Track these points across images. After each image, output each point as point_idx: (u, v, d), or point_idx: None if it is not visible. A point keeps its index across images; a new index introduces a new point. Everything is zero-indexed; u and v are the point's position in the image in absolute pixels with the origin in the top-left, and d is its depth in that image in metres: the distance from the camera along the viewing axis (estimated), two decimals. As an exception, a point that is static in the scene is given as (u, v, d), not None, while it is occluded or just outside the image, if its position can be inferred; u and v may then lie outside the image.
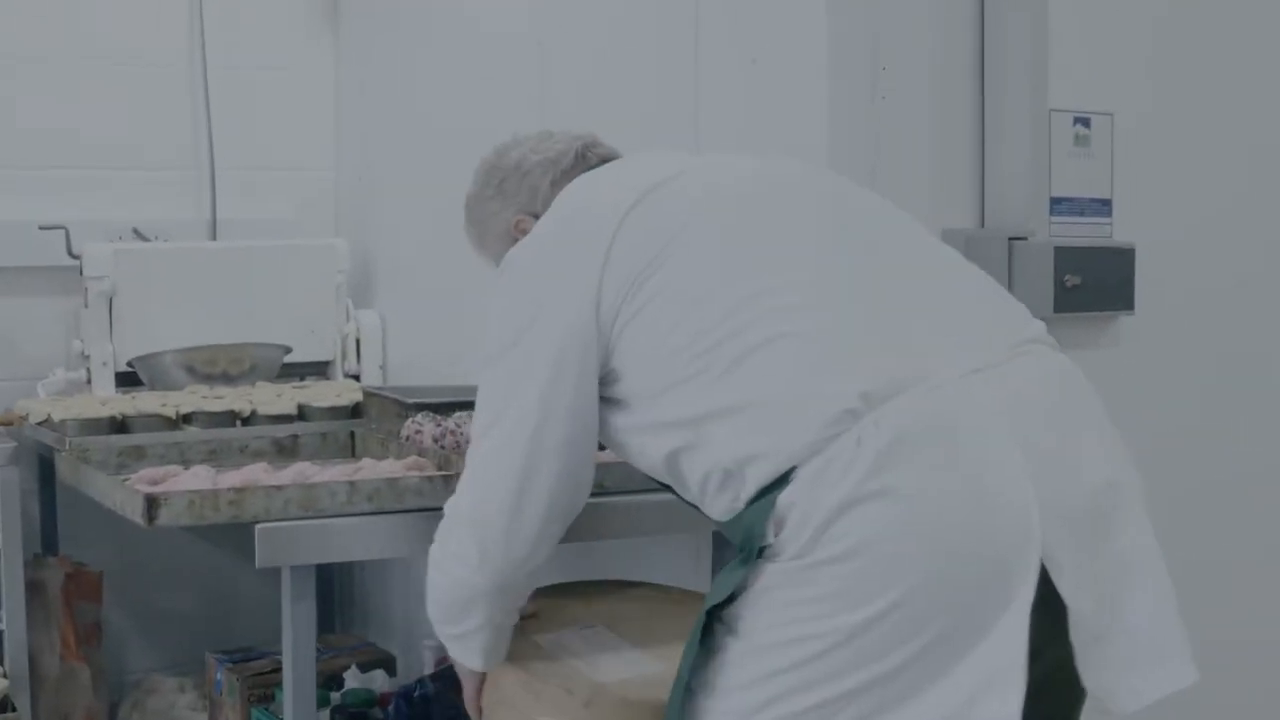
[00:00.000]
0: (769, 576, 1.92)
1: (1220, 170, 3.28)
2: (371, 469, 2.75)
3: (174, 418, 3.40)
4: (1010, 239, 2.91)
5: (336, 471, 2.70)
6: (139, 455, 3.01)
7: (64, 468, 3.02)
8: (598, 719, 2.22)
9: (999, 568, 1.84)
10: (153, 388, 3.89)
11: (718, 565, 2.92)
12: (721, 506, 2.03)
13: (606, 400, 2.15)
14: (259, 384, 3.84)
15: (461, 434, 3.04)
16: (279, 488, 2.51)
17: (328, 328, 4.24)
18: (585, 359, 2.11)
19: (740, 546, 1.97)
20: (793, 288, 2.02)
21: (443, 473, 2.66)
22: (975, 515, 1.85)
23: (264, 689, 3.71)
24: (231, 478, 2.63)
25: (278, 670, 3.71)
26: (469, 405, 3.23)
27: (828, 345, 1.97)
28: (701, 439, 2.02)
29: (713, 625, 2.01)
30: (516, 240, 2.34)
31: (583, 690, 2.24)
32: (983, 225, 2.99)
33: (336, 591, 4.44)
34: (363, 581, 4.49)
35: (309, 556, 2.52)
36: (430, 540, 2.65)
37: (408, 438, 3.08)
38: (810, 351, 1.96)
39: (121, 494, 2.59)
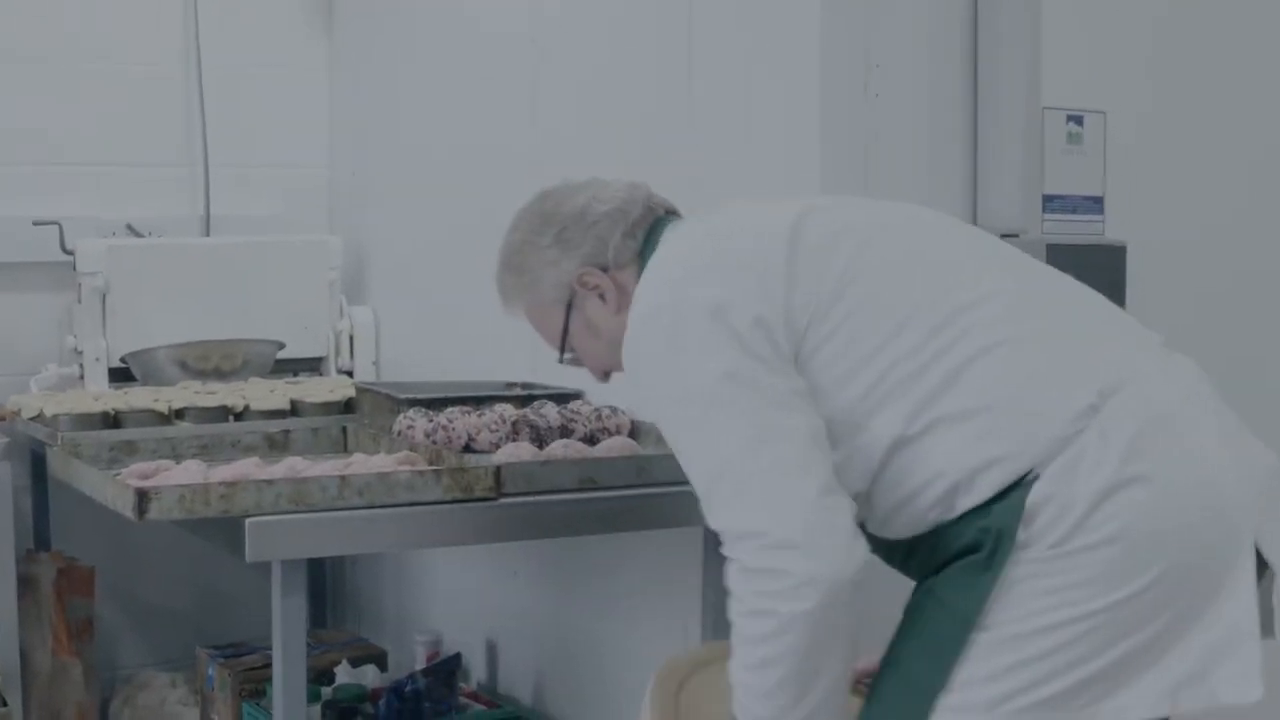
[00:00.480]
0: (1018, 569, 1.96)
1: (1213, 169, 3.28)
2: (363, 464, 2.74)
3: (166, 413, 3.41)
4: (1002, 236, 2.91)
5: (328, 466, 2.70)
6: (131, 450, 3.00)
7: (56, 463, 3.02)
8: None
9: (1229, 544, 1.99)
10: (145, 383, 3.89)
11: (709, 559, 2.92)
12: (921, 522, 2.05)
13: None
14: (252, 380, 3.84)
15: (452, 429, 3.04)
16: (270, 482, 2.51)
17: (321, 324, 4.24)
18: (788, 362, 2.05)
19: (975, 548, 1.99)
20: (991, 299, 2.07)
21: (434, 467, 2.66)
22: (1210, 498, 1.99)
23: (255, 684, 3.72)
24: (223, 472, 2.63)
25: (269, 665, 3.67)
26: (461, 401, 3.26)
27: (1046, 349, 2.06)
28: (918, 453, 2.02)
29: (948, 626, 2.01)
30: (576, 294, 2.29)
31: None
32: (975, 222, 2.99)
33: (328, 587, 4.45)
34: (354, 577, 4.50)
35: (299, 551, 2.52)
36: (419, 535, 2.67)
37: (400, 433, 3.08)
38: (1032, 356, 2.04)
39: (113, 489, 2.58)
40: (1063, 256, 2.92)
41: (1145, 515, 1.95)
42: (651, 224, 2.30)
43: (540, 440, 3.02)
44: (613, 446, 2.95)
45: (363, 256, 4.41)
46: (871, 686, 2.12)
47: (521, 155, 3.75)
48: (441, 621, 4.01)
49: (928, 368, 2.02)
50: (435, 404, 3.20)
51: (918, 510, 2.05)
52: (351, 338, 4.27)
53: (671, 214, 2.34)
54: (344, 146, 4.56)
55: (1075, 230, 3.06)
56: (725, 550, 2.05)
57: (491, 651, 3.91)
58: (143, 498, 2.44)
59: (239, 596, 4.15)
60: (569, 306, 2.32)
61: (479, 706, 3.71)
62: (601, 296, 2.29)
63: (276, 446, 3.13)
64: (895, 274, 2.09)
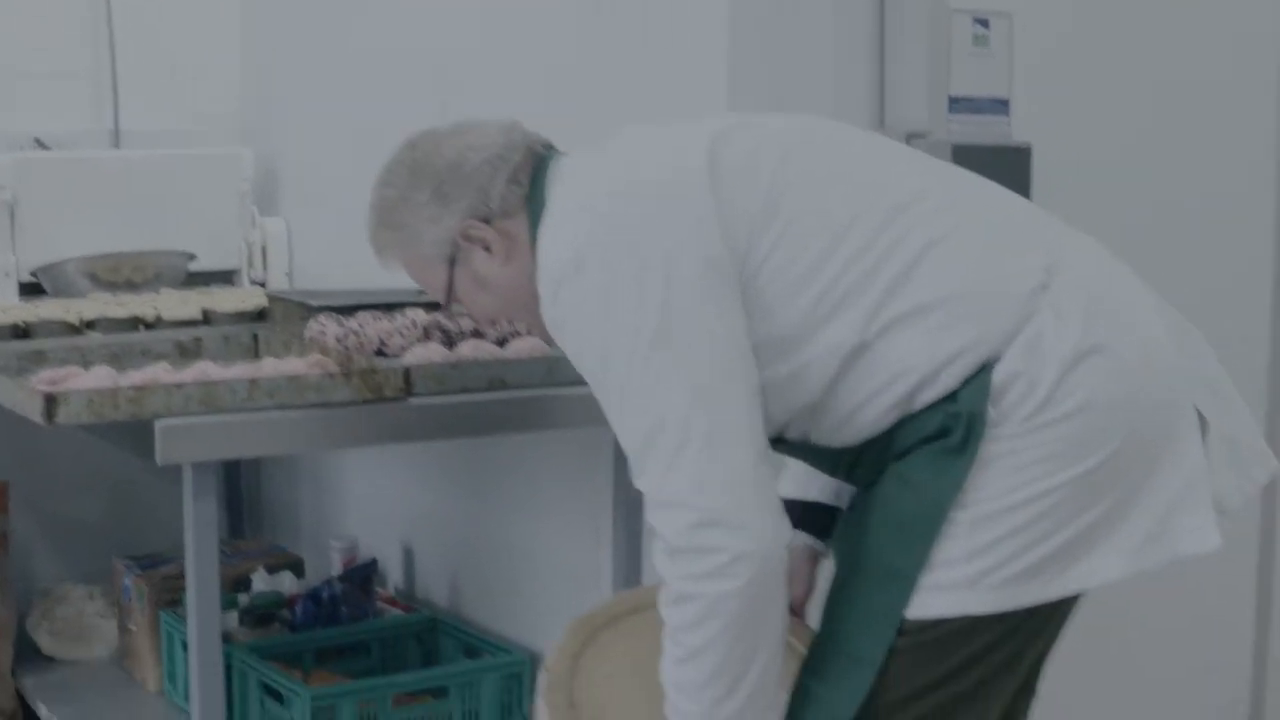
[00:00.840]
0: (992, 447, 1.98)
1: (1119, 73, 3.31)
2: (273, 367, 2.75)
3: (77, 324, 3.40)
4: (909, 136, 2.94)
5: (238, 370, 2.70)
6: (40, 359, 2.99)
7: None
8: None
9: (1176, 401, 2.06)
10: (56, 297, 3.88)
11: (620, 459, 2.94)
12: (879, 422, 2.04)
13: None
14: (164, 291, 3.84)
15: (364, 334, 3.05)
16: (179, 385, 2.52)
17: (233, 236, 4.23)
18: (735, 293, 2.01)
19: (943, 433, 1.99)
20: (922, 199, 2.07)
21: (344, 370, 2.67)
22: (1157, 360, 2.05)
23: (172, 593, 3.71)
24: (132, 377, 2.63)
25: (183, 574, 3.74)
26: (372, 306, 3.27)
27: (986, 238, 2.07)
28: (878, 355, 2.02)
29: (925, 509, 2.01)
30: (460, 248, 2.20)
31: None
32: (882, 124, 3.02)
33: (244, 497, 4.45)
34: (270, 487, 4.50)
35: (210, 453, 2.53)
36: (329, 435, 2.68)
37: (311, 339, 3.08)
38: (976, 245, 2.06)
39: (21, 394, 2.58)
40: (968, 157, 2.95)
41: (1106, 383, 1.99)
42: (535, 165, 2.20)
43: (451, 344, 3.03)
44: (522, 348, 2.97)
45: (274, 168, 4.39)
46: (835, 580, 2.12)
47: (430, 62, 3.75)
48: (358, 528, 4.03)
49: (877, 269, 2.00)
50: (347, 310, 3.20)
51: (877, 411, 2.03)
52: (264, 249, 4.26)
53: (551, 150, 2.25)
54: (256, 58, 4.53)
55: (981, 132, 3.09)
56: (650, 518, 2.02)
57: (408, 556, 3.94)
58: (51, 402, 2.44)
59: (155, 508, 4.14)
60: (452, 262, 2.23)
61: (396, 611, 3.74)
62: (487, 248, 2.20)
63: (187, 354, 3.14)
64: (823, 183, 2.07)
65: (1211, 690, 3.76)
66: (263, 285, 4.20)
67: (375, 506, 4.05)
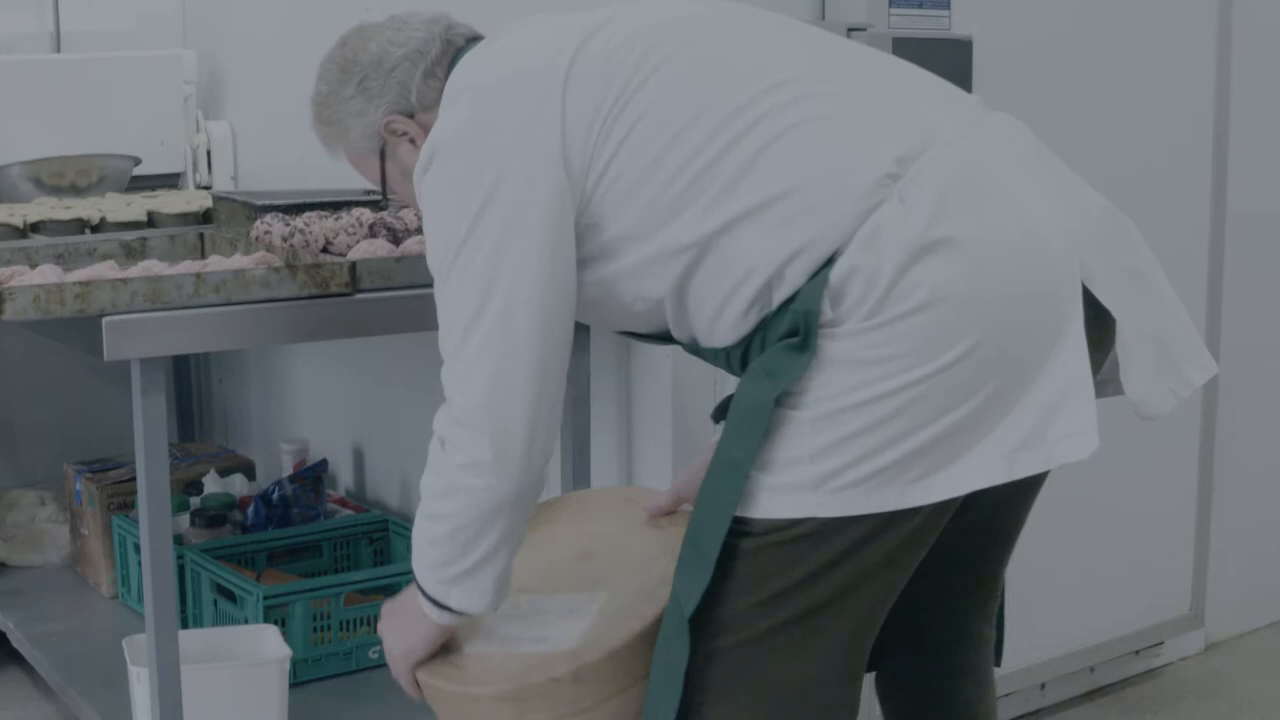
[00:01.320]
0: (833, 346, 1.91)
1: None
2: (219, 264, 2.75)
3: (21, 226, 3.38)
4: (849, 29, 2.95)
5: (184, 267, 2.70)
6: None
7: None
8: (592, 684, 2.09)
9: (1055, 297, 1.94)
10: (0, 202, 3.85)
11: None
12: (744, 323, 2.00)
13: (585, 258, 2.05)
14: (108, 195, 3.82)
15: (310, 232, 3.05)
16: (125, 280, 2.51)
17: (177, 139, 4.21)
18: (564, 219, 2.00)
19: (794, 332, 1.93)
20: (783, 86, 1.99)
21: (289, 265, 2.67)
22: (1028, 253, 1.93)
23: (124, 497, 3.74)
24: (78, 274, 2.62)
25: (134, 479, 3.75)
26: (318, 206, 3.27)
27: (841, 125, 1.98)
28: (722, 255, 1.97)
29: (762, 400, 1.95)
30: (387, 142, 2.24)
31: (564, 669, 2.08)
32: (823, 17, 3.03)
33: (195, 402, 4.46)
34: (221, 391, 4.51)
35: (157, 349, 2.53)
36: (275, 330, 2.69)
37: (257, 238, 3.08)
38: (826, 134, 1.97)
39: (-35, 292, 2.57)
40: (909, 50, 2.95)
41: (956, 280, 1.88)
42: (452, 58, 2.22)
43: (397, 241, 3.03)
44: (469, 244, 2.97)
45: (218, 70, 4.37)
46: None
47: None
48: (308, 431, 4.05)
49: (718, 162, 1.96)
50: (292, 209, 3.20)
51: (737, 312, 1.99)
52: (209, 152, 4.24)
53: (474, 40, 2.25)
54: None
55: (922, 25, 3.10)
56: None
57: (358, 458, 3.96)
58: (-5, 298, 2.44)
59: (106, 413, 4.17)
60: (382, 154, 2.28)
61: (347, 511, 3.76)
62: (412, 141, 2.23)
63: (133, 254, 3.13)
64: (686, 74, 2.02)
65: (1154, 585, 3.83)
66: (208, 189, 4.18)
67: (325, 409, 4.06)
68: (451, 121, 2.06)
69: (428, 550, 2.09)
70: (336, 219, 3.13)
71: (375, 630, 3.21)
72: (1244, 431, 3.83)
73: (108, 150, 4.02)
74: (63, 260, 3.01)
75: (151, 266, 2.71)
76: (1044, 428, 1.92)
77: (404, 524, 3.66)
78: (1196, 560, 3.90)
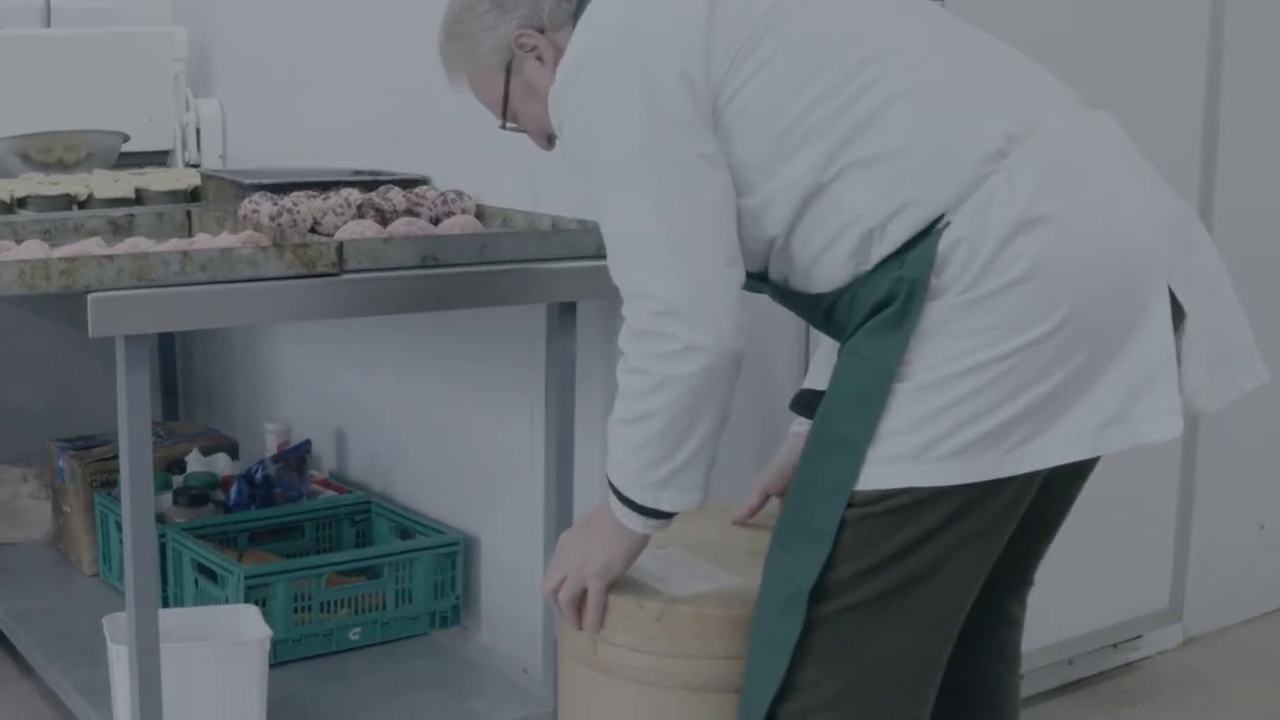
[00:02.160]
0: (933, 317, 2.01)
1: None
2: (206, 242, 2.75)
3: (8, 201, 3.38)
4: None
5: (171, 244, 2.70)
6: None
7: None
8: (670, 632, 2.22)
9: (1140, 279, 2.04)
10: (-14, 177, 3.85)
11: (554, 337, 2.98)
12: (841, 272, 2.10)
13: None
14: (96, 171, 3.82)
15: (298, 212, 3.06)
16: (111, 257, 2.51)
17: (166, 117, 4.21)
18: (706, 120, 2.11)
19: (889, 299, 2.03)
20: (902, 49, 2.09)
21: (276, 244, 2.67)
22: (1119, 236, 2.04)
23: (107, 474, 3.75)
24: (64, 250, 2.62)
25: (117, 456, 3.75)
26: (306, 185, 3.28)
27: (957, 95, 2.08)
28: (833, 200, 2.07)
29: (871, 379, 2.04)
30: (515, 56, 2.32)
31: (654, 604, 2.22)
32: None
33: (179, 382, 4.47)
34: (205, 372, 4.52)
35: (143, 326, 2.53)
36: (261, 309, 2.69)
37: (244, 217, 3.09)
38: (943, 102, 2.07)
39: (-51, 267, 2.57)
40: None
41: (1052, 255, 1.99)
42: None
43: (385, 222, 3.04)
44: (454, 225, 2.98)
45: (208, 48, 4.37)
46: (802, 452, 2.16)
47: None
48: (291, 413, 4.05)
49: (841, 113, 2.05)
50: (280, 189, 3.22)
51: (837, 260, 2.08)
52: (198, 130, 4.25)
53: None
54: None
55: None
56: (624, 310, 2.13)
57: (340, 440, 3.97)
58: (-19, 272, 2.44)
59: (89, 391, 4.17)
60: (508, 70, 2.35)
61: (330, 493, 3.76)
62: (539, 58, 2.32)
63: (120, 231, 3.13)
64: (809, 24, 2.11)
65: (1134, 580, 3.86)
66: (196, 166, 4.18)
67: (308, 390, 4.07)
68: (605, 32, 2.16)
69: (635, 455, 2.15)
70: (325, 199, 3.15)
71: (355, 612, 3.24)
72: (1226, 431, 3.84)
73: (96, 126, 4.02)
74: (49, 236, 3.00)
75: (138, 244, 2.72)
76: (1130, 406, 2.03)
77: (386, 506, 3.68)
78: (1176, 556, 3.91)
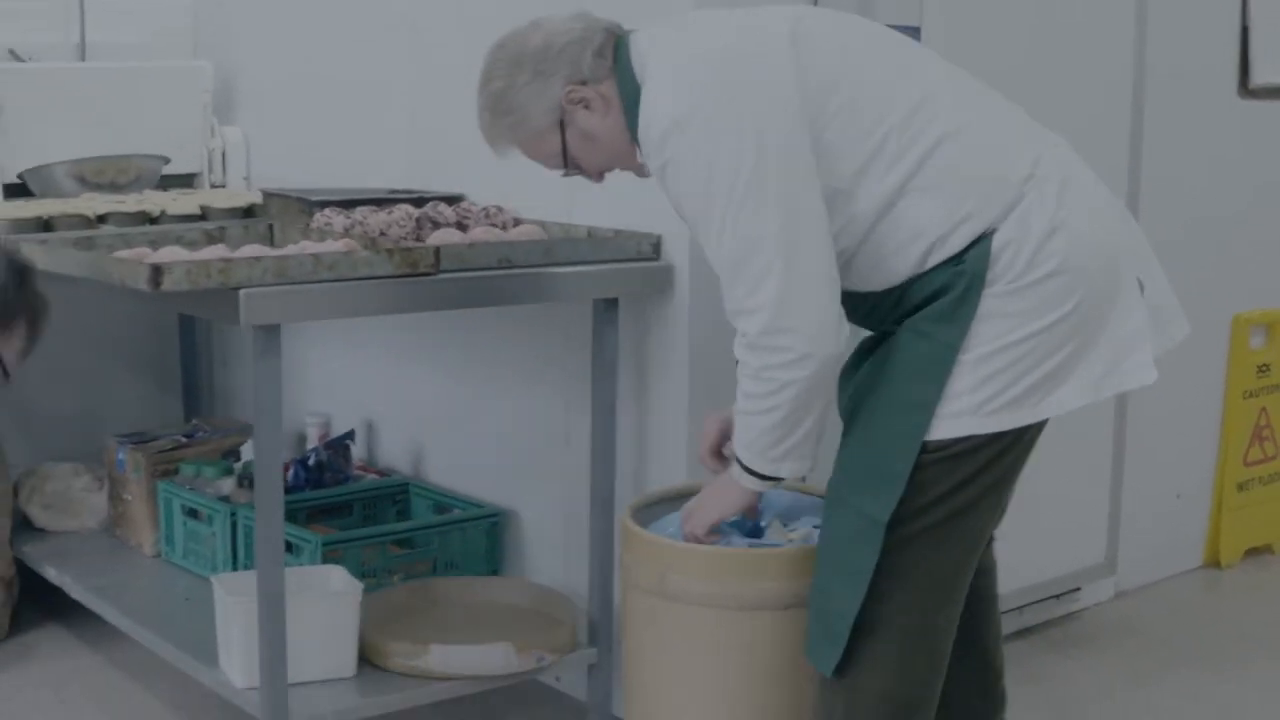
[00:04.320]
0: (987, 303, 2.53)
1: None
2: (313, 249, 3.16)
3: (93, 218, 3.76)
4: None
5: (292, 249, 3.11)
6: (89, 245, 3.36)
7: (41, 255, 3.29)
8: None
9: (1117, 268, 2.61)
10: (43, 198, 4.16)
11: (600, 324, 3.41)
12: (900, 274, 2.59)
13: None
14: (146, 191, 4.19)
15: (367, 224, 3.47)
16: (257, 259, 2.92)
17: (195, 142, 4.58)
18: (810, 148, 2.51)
19: (943, 290, 2.54)
20: (939, 94, 2.59)
21: (387, 250, 3.07)
22: (1106, 236, 2.62)
23: (167, 464, 4.11)
24: (204, 254, 3.03)
25: (177, 448, 4.17)
26: (368, 201, 3.70)
27: (990, 132, 2.62)
28: (901, 217, 2.55)
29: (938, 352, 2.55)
30: (567, 111, 2.66)
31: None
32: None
33: (202, 382, 4.83)
34: (225, 374, 4.87)
35: (287, 316, 2.96)
36: (377, 302, 3.08)
37: (318, 228, 3.50)
38: (983, 138, 2.59)
39: (122, 268, 2.96)
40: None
41: (1072, 252, 2.53)
42: (615, 43, 2.67)
43: (465, 229, 3.46)
44: (522, 232, 3.43)
45: (231, 79, 4.74)
46: (860, 416, 2.65)
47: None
48: (323, 407, 4.42)
49: (910, 147, 2.52)
50: (347, 204, 3.63)
51: (898, 265, 2.58)
52: (224, 154, 4.62)
53: (622, 28, 2.71)
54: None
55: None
56: (735, 321, 2.57)
57: (370, 431, 4.35)
58: (157, 271, 2.83)
59: (120, 396, 4.55)
60: (562, 125, 2.68)
61: (371, 476, 4.17)
62: (587, 106, 2.66)
63: (214, 240, 3.52)
64: (874, 71, 2.59)
65: (1073, 537, 4.35)
66: (222, 187, 4.56)
67: (334, 386, 4.44)
68: (694, 88, 2.55)
69: (759, 438, 2.63)
70: (388, 213, 3.56)
71: (406, 578, 3.58)
72: (1152, 401, 4.28)
73: (134, 151, 4.38)
74: (156, 245, 3.37)
75: (256, 249, 3.13)
76: (1118, 362, 2.61)
77: (421, 486, 4.09)
78: (1110, 516, 4.40)
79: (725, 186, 2.51)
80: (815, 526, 2.89)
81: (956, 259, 2.56)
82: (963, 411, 2.56)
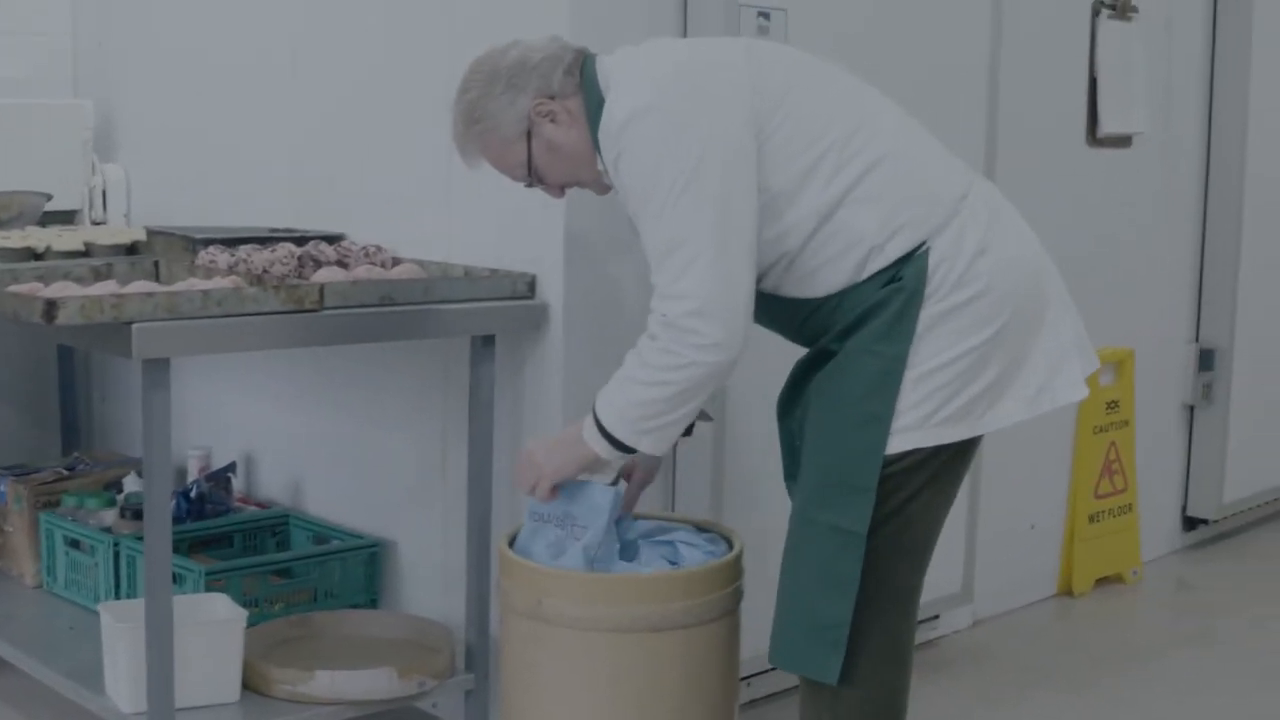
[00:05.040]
0: (925, 319, 2.70)
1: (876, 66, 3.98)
2: (200, 285, 3.24)
3: (-24, 254, 3.81)
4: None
5: (186, 284, 3.20)
6: (-21, 280, 3.41)
7: None
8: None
9: (1042, 292, 2.82)
10: (-77, 233, 4.22)
11: (477, 359, 3.52)
12: (837, 281, 2.75)
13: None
14: (29, 228, 4.24)
15: (251, 262, 3.56)
16: (149, 294, 3.01)
17: (76, 180, 4.64)
18: (754, 157, 2.67)
19: (884, 305, 2.69)
20: (878, 117, 2.79)
21: (274, 286, 3.17)
22: (1028, 260, 2.83)
23: (50, 496, 4.16)
24: (95, 289, 3.11)
25: (59, 480, 4.21)
26: (250, 240, 3.78)
27: (925, 155, 2.83)
28: (842, 224, 2.71)
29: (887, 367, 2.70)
30: (534, 123, 2.82)
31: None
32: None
33: (80, 416, 4.87)
34: (104, 409, 4.92)
35: (177, 350, 3.04)
36: (261, 338, 3.17)
37: (202, 266, 3.58)
38: (919, 159, 2.81)
39: (15, 301, 3.03)
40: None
41: (997, 274, 2.73)
42: (583, 62, 2.85)
43: (347, 267, 3.56)
44: (402, 271, 3.54)
45: (111, 118, 4.82)
46: (817, 436, 2.79)
47: (263, 21, 4.26)
48: (206, 440, 4.49)
49: (851, 160, 2.71)
50: (230, 242, 3.71)
51: (836, 272, 2.74)
52: (104, 192, 4.68)
53: (588, 52, 2.89)
54: (88, 16, 4.96)
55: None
56: (658, 304, 2.69)
57: (249, 464, 4.43)
58: (51, 306, 2.91)
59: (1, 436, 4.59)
60: (529, 135, 2.84)
61: (250, 508, 4.25)
62: (554, 119, 2.83)
63: (101, 276, 3.58)
64: (816, 90, 2.78)
65: (932, 568, 4.40)
66: (103, 224, 4.62)
67: (213, 421, 4.51)
68: (655, 84, 2.72)
69: (636, 408, 2.75)
70: (272, 251, 3.65)
71: (287, 607, 3.68)
72: (1005, 436, 4.43)
73: (13, 188, 4.43)
74: (45, 280, 3.43)
75: (147, 286, 3.21)
76: (1051, 379, 2.83)
77: (301, 518, 4.17)
78: (967, 546, 4.55)
79: (669, 177, 2.66)
80: (688, 545, 3.05)
81: (894, 274, 2.71)
82: (909, 426, 2.72)
